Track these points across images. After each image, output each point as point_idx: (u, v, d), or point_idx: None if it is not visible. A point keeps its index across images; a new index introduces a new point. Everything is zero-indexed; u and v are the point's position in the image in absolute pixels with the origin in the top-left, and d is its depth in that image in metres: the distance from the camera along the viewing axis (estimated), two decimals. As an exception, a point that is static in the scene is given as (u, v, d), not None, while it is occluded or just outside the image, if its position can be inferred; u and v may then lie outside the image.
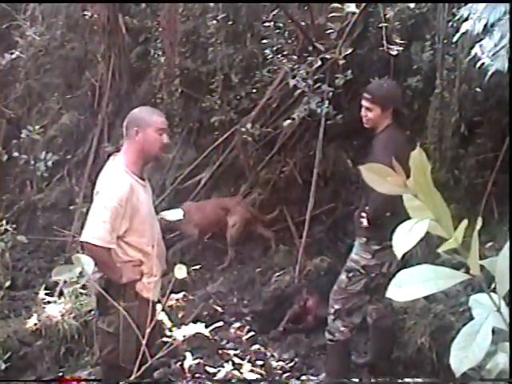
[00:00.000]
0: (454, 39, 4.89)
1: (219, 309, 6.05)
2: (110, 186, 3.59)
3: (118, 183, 3.56)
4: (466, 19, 4.10)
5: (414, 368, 4.70)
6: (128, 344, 3.55)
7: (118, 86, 9.11)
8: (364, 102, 4.17)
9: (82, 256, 2.04)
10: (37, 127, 9.27)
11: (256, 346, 5.30)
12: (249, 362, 4.74)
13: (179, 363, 4.93)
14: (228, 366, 4.55)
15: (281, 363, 5.14)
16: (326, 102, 6.16)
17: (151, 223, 3.68)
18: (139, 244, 3.64)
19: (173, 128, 8.09)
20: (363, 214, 4.14)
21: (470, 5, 4.16)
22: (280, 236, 7.27)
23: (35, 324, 5.70)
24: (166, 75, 8.15)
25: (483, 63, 3.93)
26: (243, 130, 6.99)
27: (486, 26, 3.94)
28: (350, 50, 6.08)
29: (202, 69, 8.22)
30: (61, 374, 5.32)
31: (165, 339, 4.31)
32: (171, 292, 5.54)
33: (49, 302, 5.91)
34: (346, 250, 5.05)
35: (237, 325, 5.75)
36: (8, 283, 6.87)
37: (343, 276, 4.34)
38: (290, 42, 7.16)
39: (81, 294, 5.84)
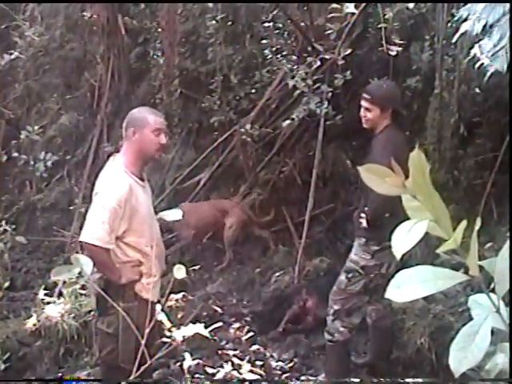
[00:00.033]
0: (454, 40, 4.90)
1: (219, 309, 6.05)
2: (108, 186, 3.59)
3: (116, 184, 3.56)
4: (465, 20, 4.11)
5: (414, 368, 4.70)
6: (127, 344, 3.55)
7: (118, 86, 9.11)
8: (363, 103, 4.17)
9: (81, 256, 2.03)
10: (36, 128, 9.27)
11: (255, 347, 5.30)
12: (248, 362, 4.74)
13: (178, 364, 4.93)
14: (227, 367, 4.54)
15: (280, 363, 5.14)
16: (326, 102, 6.17)
17: (150, 224, 3.67)
18: (138, 244, 3.64)
19: (172, 128, 8.09)
20: (362, 215, 4.14)
21: (469, 5, 4.16)
22: (279, 236, 7.27)
23: (34, 325, 5.70)
24: (166, 76, 8.15)
25: (482, 64, 3.93)
26: (242, 130, 7.00)
27: (485, 26, 3.95)
28: (349, 51, 6.08)
29: (202, 69, 8.23)
30: (60, 375, 5.32)
31: (164, 340, 4.31)
32: (171, 292, 5.54)
33: (48, 303, 5.91)
34: (346, 250, 5.05)
35: (236, 325, 5.75)
36: (7, 284, 6.87)
37: (342, 276, 4.34)
38: (289, 42, 7.18)
39: (80, 294, 5.84)
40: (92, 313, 5.37)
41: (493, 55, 3.85)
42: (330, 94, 6.20)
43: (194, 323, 4.80)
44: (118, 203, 3.48)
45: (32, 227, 8.97)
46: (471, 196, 5.53)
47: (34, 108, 10.13)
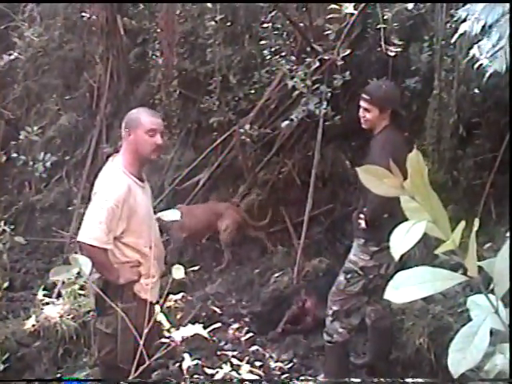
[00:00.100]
0: (453, 40, 4.90)
1: (218, 310, 6.05)
2: (107, 186, 3.59)
3: (115, 184, 3.56)
4: (464, 20, 4.11)
5: (413, 369, 4.70)
6: (126, 345, 3.54)
7: (117, 87, 9.11)
8: (362, 103, 4.17)
9: (80, 256, 2.04)
10: (35, 128, 9.28)
11: (254, 347, 5.30)
12: (247, 362, 4.72)
13: (177, 364, 4.92)
14: (226, 367, 4.53)
15: (279, 364, 5.13)
16: (325, 102, 6.16)
17: (149, 224, 3.66)
18: (137, 245, 3.64)
19: (171, 129, 8.09)
20: (361, 216, 4.14)
21: (468, 6, 4.16)
22: (278, 237, 7.27)
23: (33, 325, 5.69)
24: (164, 76, 8.14)
25: (481, 64, 3.94)
26: (242, 130, 6.99)
27: (484, 27, 3.95)
28: (348, 51, 6.07)
29: (201, 70, 8.23)
30: (59, 375, 5.32)
31: (163, 340, 4.31)
32: (170, 293, 5.54)
33: (47, 303, 5.91)
34: (345, 251, 5.06)
35: (235, 326, 5.74)
36: (6, 284, 6.87)
37: (341, 277, 4.33)
38: (288, 43, 7.18)
39: (79, 294, 5.84)
40: (91, 313, 5.37)
41: (492, 56, 3.86)
42: (329, 95, 6.20)
43: (193, 324, 4.79)
44: (115, 203, 3.48)
45: (31, 228, 8.97)
46: (470, 196, 5.53)
47: (34, 108, 10.13)
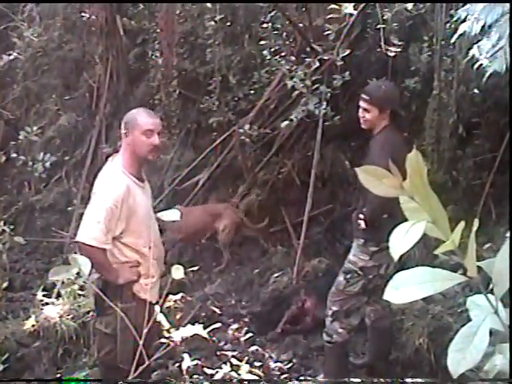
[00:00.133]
0: (452, 40, 4.91)
1: (217, 310, 6.05)
2: (106, 186, 3.59)
3: (114, 184, 3.57)
4: (464, 20, 4.11)
5: (412, 369, 4.70)
6: (125, 345, 3.55)
7: (116, 87, 9.10)
8: (362, 103, 4.17)
9: (79, 257, 2.04)
10: (35, 128, 9.27)
11: (254, 347, 5.30)
12: (247, 363, 4.72)
13: (177, 364, 4.93)
14: (226, 368, 4.54)
15: (279, 364, 5.14)
16: (324, 103, 6.17)
17: (149, 224, 3.66)
18: (136, 245, 3.64)
19: (171, 129, 8.10)
20: (361, 216, 4.14)
21: (467, 6, 4.16)
22: (278, 237, 7.27)
23: (33, 325, 5.69)
24: (164, 76, 8.14)
25: (481, 64, 3.94)
26: (241, 131, 6.99)
27: (483, 27, 3.95)
28: (347, 52, 6.08)
29: (200, 70, 8.23)
30: (59, 376, 5.32)
31: (163, 340, 4.31)
32: (170, 293, 5.54)
33: (47, 304, 5.90)
34: (344, 251, 5.05)
35: (235, 326, 5.74)
36: (5, 284, 6.87)
37: (341, 277, 4.33)
38: (287, 43, 7.17)
39: (79, 295, 5.84)
40: (91, 313, 5.37)
41: (491, 56, 3.86)
42: (328, 95, 6.20)
43: (193, 324, 4.80)
44: (114, 203, 3.49)
45: (30, 228, 8.96)
46: (470, 196, 5.53)
47: (33, 109, 10.13)
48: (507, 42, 3.74)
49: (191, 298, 6.22)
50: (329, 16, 6.02)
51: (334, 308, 4.36)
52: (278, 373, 5.02)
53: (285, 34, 7.26)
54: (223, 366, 4.61)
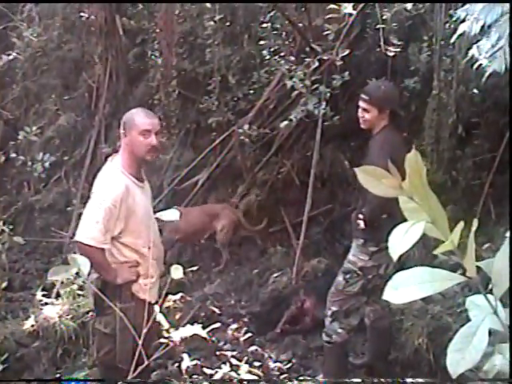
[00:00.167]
0: (452, 40, 4.91)
1: (216, 310, 6.05)
2: (104, 186, 3.60)
3: (112, 184, 3.57)
4: (464, 20, 4.11)
5: (412, 369, 4.70)
6: (124, 345, 3.55)
7: (116, 87, 9.10)
8: (361, 103, 4.17)
9: (79, 256, 2.04)
10: (34, 128, 9.26)
11: (253, 347, 5.30)
12: (246, 363, 4.73)
13: (176, 365, 4.93)
14: (225, 368, 4.54)
15: (278, 364, 5.13)
16: (324, 103, 6.16)
17: (148, 224, 3.65)
18: (135, 245, 3.64)
19: (170, 129, 8.10)
20: (360, 216, 4.13)
21: (467, 6, 4.16)
22: (277, 237, 7.27)
23: (32, 325, 5.69)
24: (163, 76, 8.14)
25: (480, 64, 3.94)
26: (240, 131, 6.99)
27: (483, 27, 3.95)
28: (347, 51, 6.08)
29: (200, 70, 8.23)
30: (58, 376, 5.32)
31: (162, 340, 4.31)
32: (169, 293, 5.54)
33: (46, 304, 5.90)
34: (344, 251, 5.05)
35: (234, 326, 5.74)
36: (5, 284, 6.86)
37: (340, 278, 4.33)
38: (287, 43, 7.17)
39: (78, 295, 5.84)
40: (90, 313, 5.37)
41: (491, 56, 3.86)
42: (328, 95, 6.20)
43: (192, 324, 4.81)
44: (113, 203, 3.48)
45: (30, 228, 8.96)
46: (469, 197, 5.53)
47: (32, 109, 10.12)
48: (507, 42, 3.74)
49: (190, 297, 6.22)
50: (328, 16, 6.01)
51: (334, 308, 4.36)
52: (278, 373, 5.02)
53: (284, 33, 7.27)
54: (222, 366, 4.62)
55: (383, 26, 5.79)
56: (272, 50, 7.09)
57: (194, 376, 4.73)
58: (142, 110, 3.81)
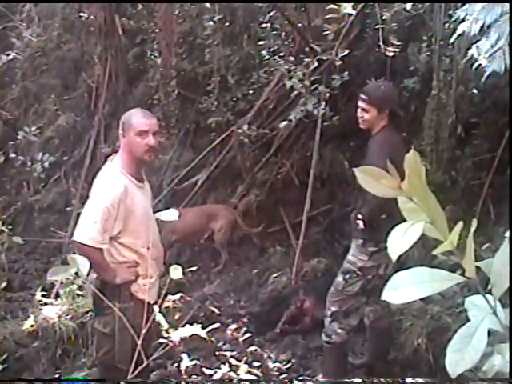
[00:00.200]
0: (451, 40, 4.90)
1: (216, 310, 6.05)
2: (103, 186, 3.60)
3: (111, 184, 3.56)
4: (463, 20, 4.11)
5: (411, 369, 4.70)
6: (124, 345, 3.54)
7: (115, 87, 9.10)
8: (360, 103, 4.16)
9: (78, 256, 2.04)
10: (33, 128, 9.27)
11: (253, 348, 5.29)
12: (245, 363, 4.73)
13: (176, 365, 4.93)
14: (225, 368, 4.54)
15: (278, 364, 5.13)
16: (323, 103, 6.16)
17: (147, 225, 3.65)
18: (134, 245, 3.64)
19: (169, 129, 8.10)
20: (359, 216, 4.13)
21: (466, 6, 4.16)
22: (277, 237, 7.27)
23: (32, 325, 5.69)
24: (163, 76, 8.14)
25: (480, 64, 3.93)
26: (240, 131, 6.99)
27: (482, 27, 3.95)
28: (346, 52, 6.08)
29: (199, 70, 8.23)
30: (57, 376, 5.32)
31: (161, 340, 4.31)
32: (168, 293, 5.54)
33: (45, 304, 5.90)
34: (343, 251, 5.05)
35: (233, 326, 5.73)
36: (4, 285, 6.86)
37: (340, 278, 4.33)
38: (286, 43, 7.18)
39: (77, 295, 5.84)
40: (89, 313, 5.37)
41: (490, 56, 3.86)
42: (327, 95, 6.20)
43: (191, 324, 4.81)
44: (111, 203, 3.48)
45: (29, 228, 8.96)
46: (468, 197, 5.53)
47: (32, 109, 10.13)
48: (506, 42, 3.74)
49: (190, 298, 6.22)
50: (328, 16, 6.00)
51: (333, 308, 4.36)
52: (277, 373, 5.02)
53: (284, 34, 7.27)
54: (222, 366, 4.62)
55: (383, 26, 5.79)
56: (271, 50, 7.09)
57: (194, 376, 4.73)
58: (140, 110, 3.80)
